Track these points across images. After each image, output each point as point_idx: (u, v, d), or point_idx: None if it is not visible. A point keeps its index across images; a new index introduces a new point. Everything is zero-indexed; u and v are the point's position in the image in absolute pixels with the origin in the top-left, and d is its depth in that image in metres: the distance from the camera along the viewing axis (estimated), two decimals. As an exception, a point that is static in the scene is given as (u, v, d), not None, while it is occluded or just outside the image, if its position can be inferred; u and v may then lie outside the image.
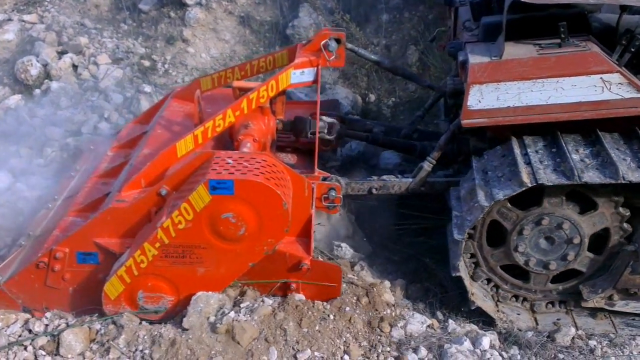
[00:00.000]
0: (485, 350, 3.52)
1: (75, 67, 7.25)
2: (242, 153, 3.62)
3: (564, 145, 3.69)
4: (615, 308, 3.86)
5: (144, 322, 3.52)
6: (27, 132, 6.17)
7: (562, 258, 3.82)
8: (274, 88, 3.98)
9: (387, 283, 3.96)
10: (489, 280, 3.99)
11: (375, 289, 3.77)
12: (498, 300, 4.01)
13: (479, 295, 3.87)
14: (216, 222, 3.34)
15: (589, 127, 3.76)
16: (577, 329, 3.83)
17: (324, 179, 4.02)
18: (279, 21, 7.40)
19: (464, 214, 3.73)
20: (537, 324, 3.92)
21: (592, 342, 3.73)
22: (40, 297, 3.72)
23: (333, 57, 3.99)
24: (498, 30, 3.84)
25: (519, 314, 3.97)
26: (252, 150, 3.93)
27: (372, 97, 6.90)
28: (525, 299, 4.02)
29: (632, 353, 3.65)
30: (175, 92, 5.01)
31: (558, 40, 3.71)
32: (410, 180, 4.17)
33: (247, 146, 3.94)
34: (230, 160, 3.44)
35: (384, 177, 4.23)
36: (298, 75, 4.03)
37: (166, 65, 7.34)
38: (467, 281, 3.80)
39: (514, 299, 4.03)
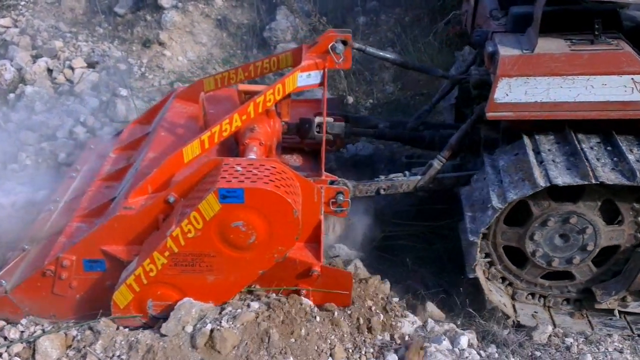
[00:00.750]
0: (463, 350, 3.53)
1: (50, 71, 7.20)
2: (251, 160, 3.58)
3: (576, 143, 3.70)
4: (629, 309, 3.88)
5: (121, 328, 3.50)
6: (1, 137, 6.12)
7: (568, 260, 3.83)
8: (281, 91, 3.94)
9: (385, 282, 3.97)
10: (487, 255, 3.98)
11: (367, 287, 3.76)
12: (487, 278, 4.01)
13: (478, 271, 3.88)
14: (226, 231, 3.31)
15: (606, 128, 3.76)
16: (554, 326, 3.87)
17: (332, 182, 3.99)
18: (256, 24, 7.37)
19: (477, 214, 3.70)
20: (514, 310, 3.95)
21: (569, 340, 3.78)
22: (47, 305, 3.69)
23: (341, 59, 3.94)
24: (527, 21, 3.81)
25: (501, 296, 3.98)
26: (258, 155, 3.90)
27: (351, 99, 6.90)
28: (510, 284, 4.04)
29: (607, 350, 3.71)
30: (177, 92, 4.95)
31: (590, 36, 3.68)
32: (419, 177, 4.15)
33: (253, 150, 3.90)
34: (239, 168, 3.40)
35: (392, 176, 4.20)
36: (304, 78, 3.98)
37: (143, 69, 7.29)
38: (482, 280, 3.82)
39: (501, 280, 4.04)
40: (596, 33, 3.65)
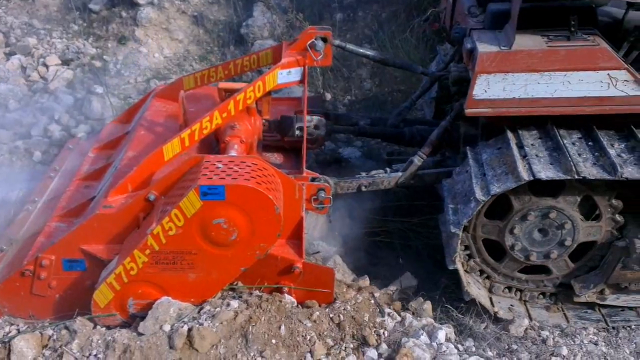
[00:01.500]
0: (441, 344, 3.53)
1: (23, 68, 7.13)
2: (232, 157, 3.57)
3: (559, 139, 3.73)
4: (607, 302, 3.93)
5: (98, 327, 3.47)
6: (-26, 135, 6.07)
7: (546, 255, 3.88)
8: (261, 89, 3.94)
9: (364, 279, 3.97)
10: (466, 247, 4.01)
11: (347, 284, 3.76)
12: (466, 270, 4.04)
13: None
14: (207, 228, 3.29)
15: (587, 123, 3.81)
16: (530, 320, 3.91)
17: (313, 179, 3.99)
18: (233, 20, 7.35)
19: (459, 206, 3.72)
20: (492, 304, 3.99)
21: (545, 333, 3.82)
22: (26, 306, 3.65)
23: (321, 56, 3.94)
24: (505, 18, 3.85)
25: (479, 289, 4.02)
26: (239, 152, 3.89)
27: (328, 96, 6.91)
28: (488, 277, 4.08)
29: (582, 342, 3.76)
30: (157, 91, 4.93)
31: (566, 33, 3.72)
32: (400, 174, 4.16)
33: (234, 148, 3.89)
34: (220, 165, 3.38)
35: (373, 172, 4.22)
36: (285, 76, 3.98)
37: (118, 66, 7.23)
38: (462, 272, 3.85)
39: (479, 273, 4.08)
40: (572, 29, 3.69)
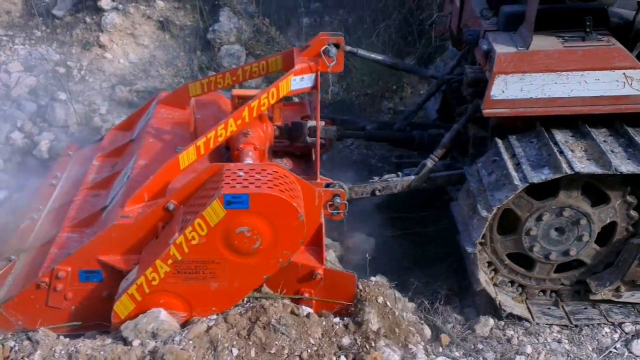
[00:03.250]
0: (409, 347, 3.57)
1: None
2: (253, 165, 3.56)
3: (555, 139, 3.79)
4: (622, 299, 3.99)
5: (60, 337, 3.43)
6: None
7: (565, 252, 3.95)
8: (275, 95, 3.92)
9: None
10: (489, 263, 4.04)
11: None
12: (495, 284, 4.09)
13: None
14: (230, 237, 3.28)
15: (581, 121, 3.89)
16: (569, 319, 3.97)
17: (327, 185, 3.99)
18: (199, 26, 7.28)
19: (489, 193, 3.75)
20: (530, 313, 4.01)
21: (510, 332, 3.89)
22: (41, 318, 3.60)
23: (334, 62, 3.94)
24: (518, 20, 3.91)
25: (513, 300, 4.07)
26: (254, 159, 3.88)
27: (295, 100, 6.84)
28: (521, 286, 4.13)
29: (546, 340, 3.83)
30: (160, 98, 4.87)
31: (581, 34, 3.78)
32: (413, 178, 4.18)
33: (249, 155, 3.88)
34: (241, 173, 3.37)
35: (386, 176, 4.23)
36: (298, 82, 3.97)
37: (82, 72, 7.11)
38: (491, 290, 3.90)
39: (510, 284, 4.11)
40: (587, 30, 3.76)
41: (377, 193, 4.18)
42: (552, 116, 3.84)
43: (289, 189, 3.37)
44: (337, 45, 4.02)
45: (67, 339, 3.38)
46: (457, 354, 3.70)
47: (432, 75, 4.88)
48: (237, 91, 4.17)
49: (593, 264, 4.00)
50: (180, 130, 4.46)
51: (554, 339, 3.85)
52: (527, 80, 3.69)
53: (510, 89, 3.71)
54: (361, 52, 4.43)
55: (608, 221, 3.84)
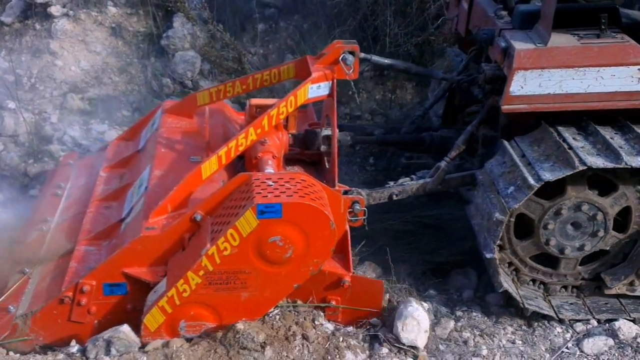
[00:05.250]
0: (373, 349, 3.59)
1: None
2: (280, 174, 3.58)
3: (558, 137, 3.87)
4: (636, 293, 4.07)
5: (10, 353, 3.40)
6: None
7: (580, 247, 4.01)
8: (293, 104, 3.94)
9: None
10: (510, 264, 4.10)
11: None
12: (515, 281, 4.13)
13: None
14: (263, 246, 3.29)
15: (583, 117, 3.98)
16: (591, 313, 4.03)
17: (345, 192, 4.01)
18: (153, 32, 7.17)
19: (503, 195, 3.80)
20: (554, 311, 4.04)
21: (466, 334, 3.94)
22: (63, 333, 3.56)
23: (352, 70, 3.98)
24: (533, 19, 4.00)
25: (537, 299, 4.11)
26: (274, 168, 3.89)
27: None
28: (542, 283, 4.19)
29: (501, 341, 3.90)
30: (165, 107, 4.83)
31: (596, 31, 3.88)
32: (429, 180, 4.23)
33: (269, 164, 3.88)
34: (271, 182, 3.38)
35: (401, 181, 4.28)
36: (315, 90, 4.00)
37: (32, 80, 6.88)
38: (514, 292, 3.94)
39: (531, 282, 4.17)
40: (602, 27, 3.87)
41: (395, 197, 4.22)
42: (560, 114, 3.94)
43: (319, 197, 3.40)
44: (352, 53, 4.07)
45: (18, 355, 3.34)
46: (423, 353, 3.72)
47: (443, 77, 4.95)
48: (254, 100, 4.17)
49: (614, 253, 4.09)
50: (191, 140, 4.44)
51: (508, 340, 3.92)
52: (546, 76, 3.79)
53: (529, 85, 3.80)
54: (375, 58, 4.47)
55: (622, 206, 3.93)
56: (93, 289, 3.50)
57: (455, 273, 4.49)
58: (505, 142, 4.08)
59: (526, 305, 3.92)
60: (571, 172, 3.62)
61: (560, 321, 4.02)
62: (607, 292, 4.08)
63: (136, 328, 3.49)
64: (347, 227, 3.73)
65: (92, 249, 3.89)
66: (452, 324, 3.96)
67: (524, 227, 4.01)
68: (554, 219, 3.89)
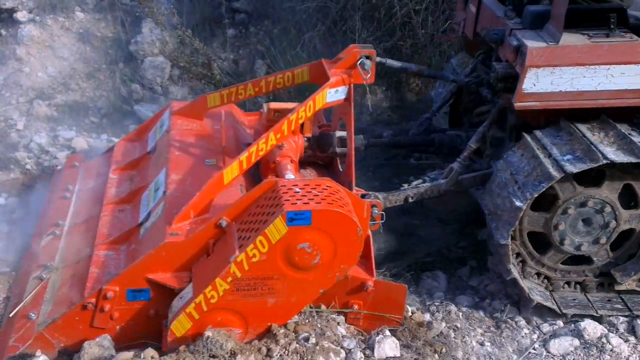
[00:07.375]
0: (350, 350, 3.59)
1: None
2: (305, 180, 3.60)
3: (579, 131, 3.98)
4: None
5: None
6: None
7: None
8: (312, 108, 3.96)
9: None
10: (517, 254, 4.15)
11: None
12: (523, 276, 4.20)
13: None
14: (291, 253, 3.31)
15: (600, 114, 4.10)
16: (593, 307, 4.12)
17: (362, 196, 4.04)
18: (121, 37, 7.12)
19: (522, 184, 3.87)
20: (557, 305, 4.13)
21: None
22: (85, 339, 3.53)
23: (369, 75, 4.01)
24: (544, 19, 4.10)
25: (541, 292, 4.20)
26: (293, 172, 3.91)
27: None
28: (546, 278, 4.27)
29: (471, 342, 4.00)
30: (174, 108, 4.80)
31: (604, 31, 3.99)
32: (443, 182, 4.30)
33: (288, 168, 3.91)
34: (297, 189, 3.40)
35: (415, 184, 4.33)
36: (332, 94, 4.02)
37: None
38: (520, 280, 4.02)
39: (536, 276, 4.25)
40: (612, 27, 3.98)
41: (410, 200, 4.27)
42: (575, 111, 4.05)
43: (345, 204, 3.43)
44: (368, 57, 4.09)
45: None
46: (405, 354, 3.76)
47: (453, 79, 5.02)
48: (273, 104, 4.18)
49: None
50: (204, 142, 4.43)
51: (477, 342, 4.00)
52: (558, 73, 3.89)
53: (541, 82, 3.91)
54: (390, 61, 4.52)
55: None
56: (116, 295, 3.49)
57: (425, 276, 4.60)
58: (526, 135, 4.16)
59: (533, 298, 4.02)
60: (595, 165, 3.71)
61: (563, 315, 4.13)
62: (616, 287, 4.18)
63: (157, 333, 3.51)
64: (370, 232, 3.76)
65: (111, 253, 3.87)
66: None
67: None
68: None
